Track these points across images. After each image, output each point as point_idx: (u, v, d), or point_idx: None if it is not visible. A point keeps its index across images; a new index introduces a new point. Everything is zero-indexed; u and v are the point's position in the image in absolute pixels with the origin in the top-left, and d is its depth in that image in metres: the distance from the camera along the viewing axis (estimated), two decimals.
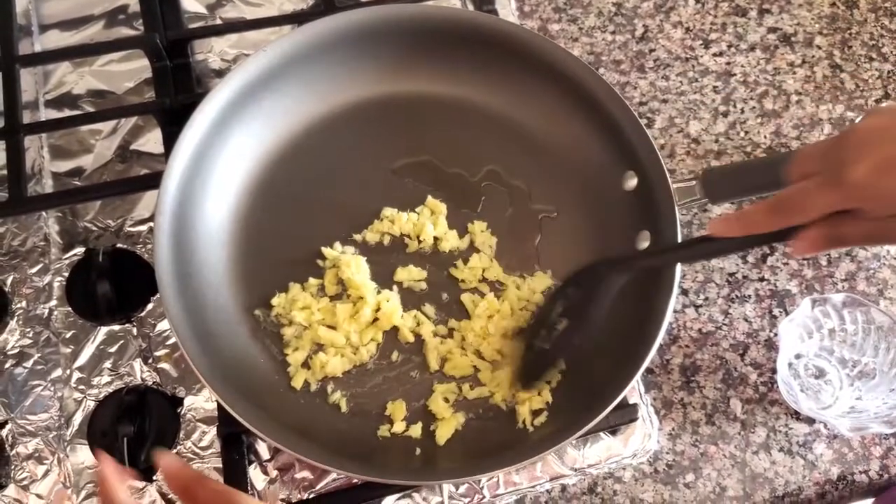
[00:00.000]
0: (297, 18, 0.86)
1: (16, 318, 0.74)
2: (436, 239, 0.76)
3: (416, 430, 0.68)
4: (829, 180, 0.50)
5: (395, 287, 0.74)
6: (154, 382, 0.72)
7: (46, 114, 0.84)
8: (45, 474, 0.68)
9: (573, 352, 0.70)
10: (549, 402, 0.69)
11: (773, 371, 0.79)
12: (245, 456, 0.69)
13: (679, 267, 0.67)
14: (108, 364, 0.72)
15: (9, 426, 0.70)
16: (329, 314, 0.72)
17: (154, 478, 0.69)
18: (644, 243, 0.72)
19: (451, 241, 0.76)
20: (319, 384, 0.70)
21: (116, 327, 0.74)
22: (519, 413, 0.69)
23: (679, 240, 0.69)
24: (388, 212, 0.77)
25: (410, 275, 0.75)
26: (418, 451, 0.67)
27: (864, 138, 0.49)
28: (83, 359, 0.73)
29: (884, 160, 0.48)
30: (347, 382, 0.71)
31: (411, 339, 0.72)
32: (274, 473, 0.69)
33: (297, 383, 0.69)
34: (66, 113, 0.84)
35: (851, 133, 0.50)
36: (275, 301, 0.72)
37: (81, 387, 0.71)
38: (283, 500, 0.69)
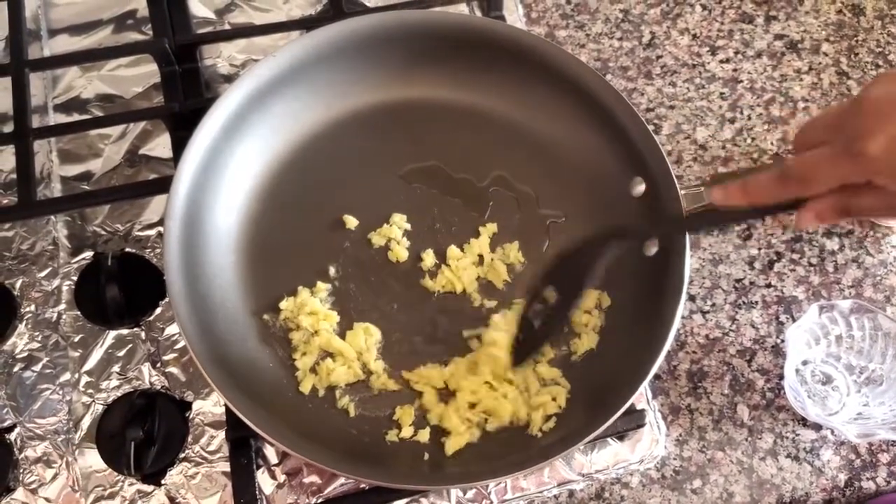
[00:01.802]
0: (305, 24, 0.86)
1: (24, 322, 0.74)
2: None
3: (424, 435, 0.68)
4: (843, 151, 0.47)
5: None
6: (162, 386, 0.72)
7: (55, 118, 0.84)
8: (54, 478, 0.68)
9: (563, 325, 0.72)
10: (563, 407, 0.69)
11: (780, 377, 0.79)
12: (253, 460, 0.69)
13: (687, 272, 0.67)
14: (116, 368, 0.73)
15: (17, 430, 0.70)
16: (334, 320, 0.72)
17: (162, 482, 0.69)
18: (652, 249, 0.72)
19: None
20: (327, 389, 0.70)
21: (125, 331, 0.74)
22: (532, 419, 0.69)
23: (687, 245, 0.69)
24: (396, 217, 0.77)
25: None
26: (426, 455, 0.67)
27: (878, 108, 0.47)
28: (92, 363, 0.73)
29: None
30: (356, 388, 0.71)
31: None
32: (282, 478, 0.70)
33: (306, 388, 0.70)
34: (75, 117, 0.84)
35: (864, 102, 0.48)
36: (283, 305, 0.72)
37: (90, 391, 0.72)
38: None
